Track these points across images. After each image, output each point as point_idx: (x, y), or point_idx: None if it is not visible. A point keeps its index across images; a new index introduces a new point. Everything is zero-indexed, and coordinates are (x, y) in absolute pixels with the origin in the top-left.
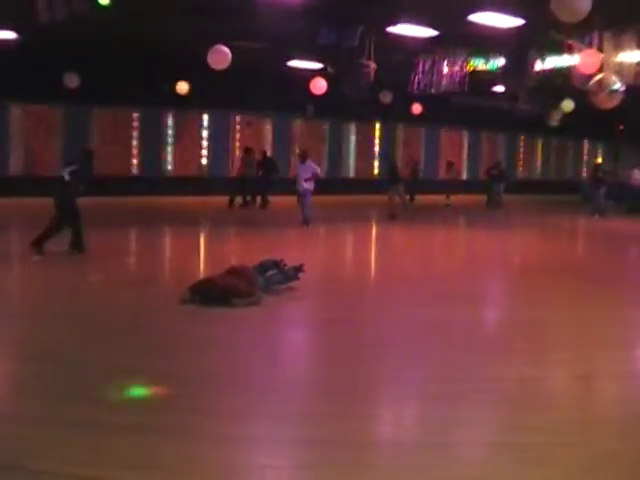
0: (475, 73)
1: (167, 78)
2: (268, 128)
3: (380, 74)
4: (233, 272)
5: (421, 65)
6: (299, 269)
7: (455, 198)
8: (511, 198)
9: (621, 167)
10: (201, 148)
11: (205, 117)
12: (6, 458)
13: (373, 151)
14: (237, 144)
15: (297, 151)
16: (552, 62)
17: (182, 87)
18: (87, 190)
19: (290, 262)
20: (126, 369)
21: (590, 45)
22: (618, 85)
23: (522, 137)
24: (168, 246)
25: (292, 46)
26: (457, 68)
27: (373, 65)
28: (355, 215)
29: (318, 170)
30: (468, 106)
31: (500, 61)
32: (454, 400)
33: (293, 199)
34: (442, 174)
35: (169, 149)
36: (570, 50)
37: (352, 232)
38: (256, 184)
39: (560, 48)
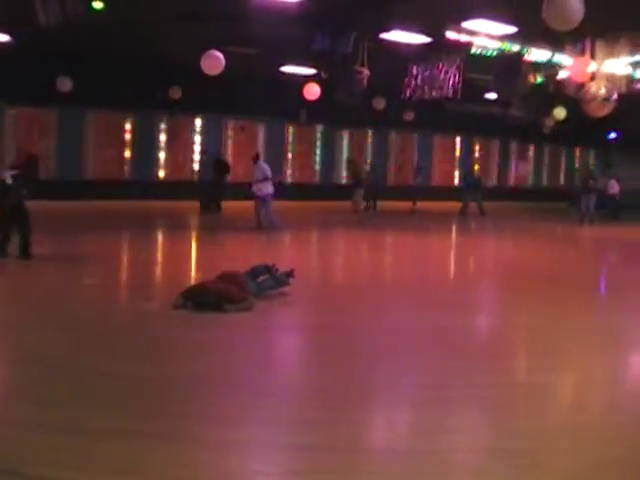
0: (468, 80)
1: (160, 83)
2: (261, 133)
3: (373, 80)
4: (225, 277)
5: (414, 71)
6: (290, 274)
7: (435, 205)
8: (502, 205)
9: (599, 176)
10: (194, 153)
11: (198, 122)
12: None
13: (365, 157)
14: (230, 149)
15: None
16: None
17: (175, 92)
18: (31, 194)
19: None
20: (117, 374)
21: (582, 53)
22: (610, 93)
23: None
24: (158, 250)
25: (285, 52)
26: (450, 75)
27: (366, 71)
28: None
29: (268, 171)
30: (461, 113)
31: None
32: (447, 406)
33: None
34: (436, 180)
35: (161, 153)
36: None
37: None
38: (212, 188)
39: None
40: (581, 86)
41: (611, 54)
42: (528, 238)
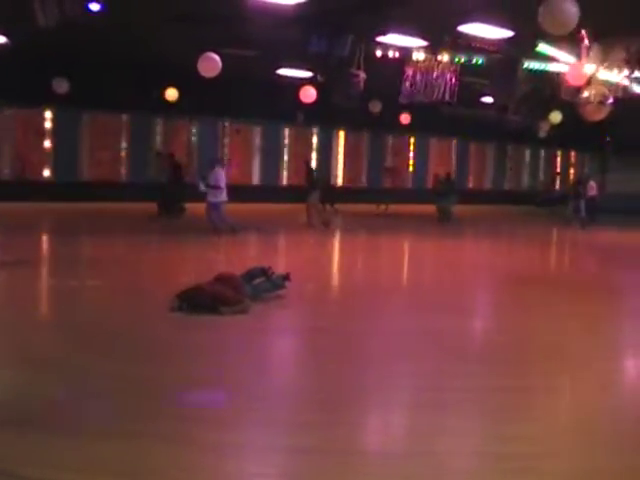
0: (465, 84)
1: (157, 84)
2: (257, 136)
3: (369, 83)
4: (221, 280)
5: (411, 75)
6: (286, 277)
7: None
8: (500, 209)
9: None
10: (190, 155)
11: (194, 124)
12: None
13: (362, 160)
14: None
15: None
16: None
17: (172, 94)
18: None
19: None
20: (113, 376)
21: (578, 57)
22: (606, 97)
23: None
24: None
25: (282, 54)
26: (446, 78)
27: (363, 74)
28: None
29: (222, 181)
30: (457, 116)
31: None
32: (443, 409)
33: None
34: (430, 184)
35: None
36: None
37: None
38: (168, 191)
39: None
40: (577, 90)
41: (607, 58)
42: (510, 241)
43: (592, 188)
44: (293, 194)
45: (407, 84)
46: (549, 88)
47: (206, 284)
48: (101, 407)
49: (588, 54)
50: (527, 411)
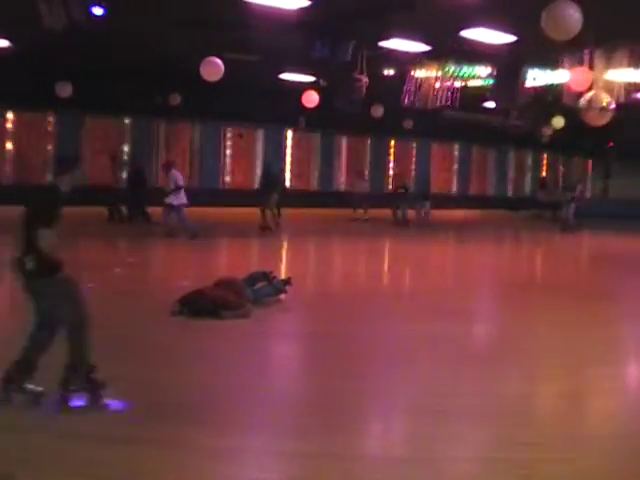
0: (467, 88)
1: (160, 89)
2: (260, 140)
3: (372, 88)
4: (222, 284)
5: (413, 80)
6: (287, 282)
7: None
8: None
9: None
10: (193, 159)
11: (197, 128)
12: None
13: (364, 165)
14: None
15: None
16: (543, 79)
17: (174, 98)
18: None
19: None
20: (114, 380)
21: (581, 62)
22: (609, 102)
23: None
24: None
25: (285, 59)
26: (449, 83)
27: (365, 79)
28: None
29: (180, 180)
30: (460, 121)
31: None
32: (443, 415)
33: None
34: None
35: (160, 159)
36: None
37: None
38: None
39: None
40: (580, 95)
41: (610, 64)
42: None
43: (581, 192)
44: (294, 199)
45: (410, 88)
46: (552, 94)
47: (207, 288)
48: (100, 411)
49: (591, 59)
50: (530, 417)
